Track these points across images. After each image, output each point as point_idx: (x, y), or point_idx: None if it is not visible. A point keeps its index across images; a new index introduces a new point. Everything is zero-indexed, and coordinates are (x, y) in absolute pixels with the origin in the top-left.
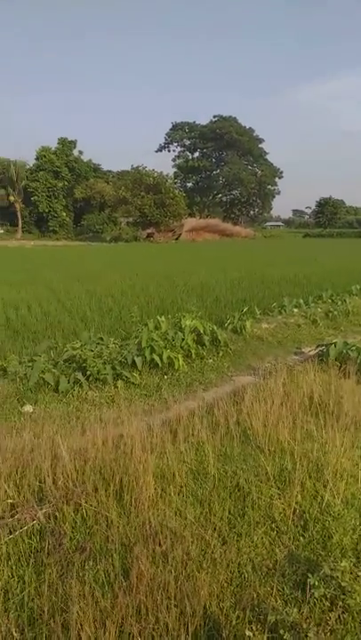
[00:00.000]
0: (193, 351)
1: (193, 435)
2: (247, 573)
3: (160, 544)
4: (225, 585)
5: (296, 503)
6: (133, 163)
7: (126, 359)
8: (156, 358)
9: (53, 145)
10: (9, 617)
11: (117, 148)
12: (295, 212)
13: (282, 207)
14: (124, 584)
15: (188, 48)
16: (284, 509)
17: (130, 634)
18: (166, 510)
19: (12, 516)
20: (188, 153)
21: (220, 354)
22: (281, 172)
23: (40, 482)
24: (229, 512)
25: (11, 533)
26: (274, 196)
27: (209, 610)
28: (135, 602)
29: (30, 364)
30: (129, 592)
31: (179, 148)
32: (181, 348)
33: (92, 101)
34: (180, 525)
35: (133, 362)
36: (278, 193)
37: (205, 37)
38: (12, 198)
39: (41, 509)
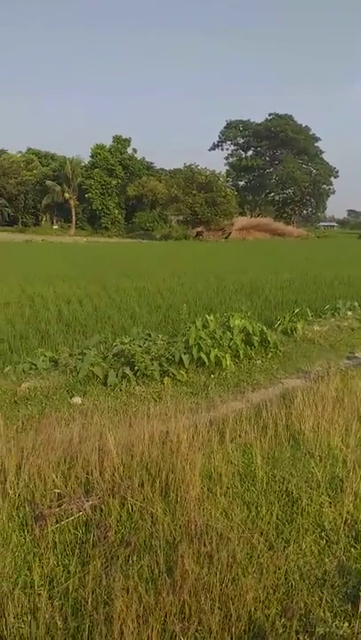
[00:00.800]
0: (241, 351)
1: (240, 436)
2: (294, 581)
3: (205, 544)
4: (271, 591)
5: (348, 513)
6: (186, 161)
7: (173, 356)
8: (204, 357)
9: (108, 143)
10: (53, 605)
11: (171, 147)
12: (350, 212)
13: (337, 207)
14: (168, 582)
15: (246, 46)
16: (334, 518)
17: (172, 633)
18: (212, 510)
19: (59, 506)
20: (242, 151)
21: (269, 355)
22: (337, 172)
23: (87, 474)
24: (277, 517)
25: (57, 522)
26: (328, 196)
27: (254, 616)
28: (179, 601)
29: (80, 357)
30: (172, 590)
31: (232, 147)
32: (229, 347)
33: (148, 99)
34: (226, 527)
35: (180, 359)
36: (333, 192)
37: (261, 36)
38: (67, 195)
39: (87, 501)
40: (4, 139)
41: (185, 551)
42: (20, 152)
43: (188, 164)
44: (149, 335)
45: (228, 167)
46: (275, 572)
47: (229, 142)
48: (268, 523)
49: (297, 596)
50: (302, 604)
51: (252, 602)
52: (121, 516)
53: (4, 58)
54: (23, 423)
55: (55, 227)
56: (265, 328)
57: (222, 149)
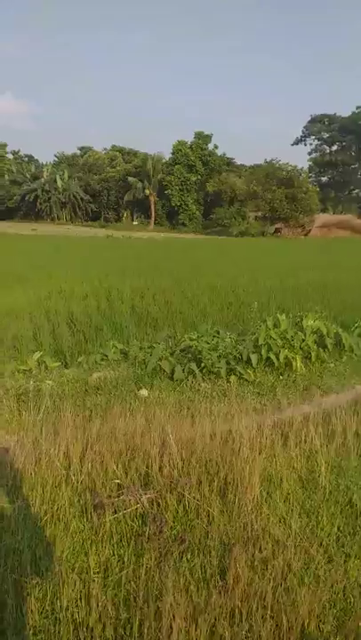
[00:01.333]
0: (313, 353)
1: (305, 441)
2: (353, 598)
3: (261, 550)
4: (327, 606)
5: None
6: (267, 157)
7: (241, 355)
8: (273, 357)
9: (189, 139)
10: (107, 593)
11: (253, 142)
12: None
13: None
14: (220, 584)
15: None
16: None
17: (221, 636)
18: (270, 516)
19: (117, 496)
20: (326, 146)
21: (344, 359)
22: None
23: (147, 467)
24: (338, 529)
25: (115, 513)
26: None
27: (307, 629)
28: (230, 604)
29: (149, 351)
30: (224, 593)
31: (316, 142)
32: (301, 348)
33: (231, 94)
34: (284, 534)
35: (248, 358)
36: None
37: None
38: (147, 191)
39: (145, 494)
40: (91, 136)
41: (239, 554)
42: (105, 149)
43: (268, 160)
44: (218, 332)
45: (310, 162)
46: (332, 587)
47: (313, 137)
48: (329, 534)
49: (355, 615)
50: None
51: (306, 614)
52: (177, 513)
53: (96, 58)
54: (91, 412)
55: (135, 222)
56: (340, 330)
57: (305, 144)
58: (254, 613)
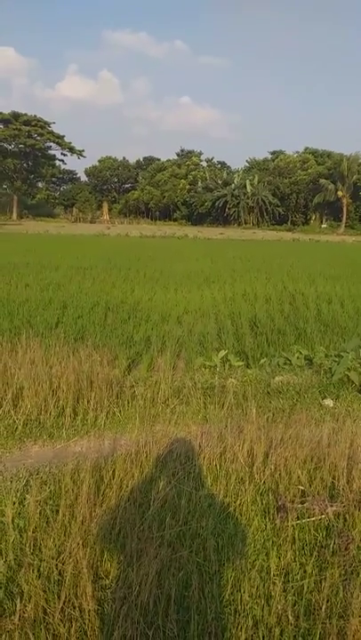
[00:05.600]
0: None
1: None
2: None
3: None
4: None
5: None
6: None
7: None
8: None
9: None
10: (286, 598)
11: None
12: None
13: None
14: None
15: None
16: None
17: None
18: None
19: (301, 503)
20: None
21: None
22: None
23: (333, 479)
24: None
25: (298, 519)
26: None
27: None
28: None
29: (337, 360)
30: None
31: None
32: None
33: None
34: None
35: None
36: None
37: None
38: (340, 193)
39: (331, 506)
40: (283, 139)
41: None
42: (297, 152)
43: None
44: None
45: None
46: None
47: None
48: None
49: None
50: None
51: None
52: None
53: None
54: (273, 414)
55: (323, 225)
56: None
57: None
58: None
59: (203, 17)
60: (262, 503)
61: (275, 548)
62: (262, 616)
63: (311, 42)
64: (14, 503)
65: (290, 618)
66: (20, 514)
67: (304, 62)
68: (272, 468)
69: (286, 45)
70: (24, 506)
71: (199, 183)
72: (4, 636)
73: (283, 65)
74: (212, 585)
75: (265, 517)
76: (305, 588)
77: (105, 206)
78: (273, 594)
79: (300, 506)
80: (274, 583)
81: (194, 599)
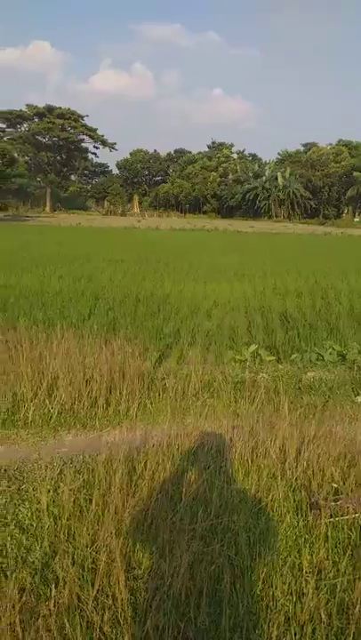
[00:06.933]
0: None
1: None
2: None
3: None
4: None
5: None
6: None
7: None
8: None
9: None
10: (319, 596)
11: None
12: None
13: None
14: None
15: None
16: None
17: None
18: None
19: (334, 501)
20: None
21: None
22: None
23: None
24: None
25: (331, 517)
26: None
27: None
28: None
29: None
30: None
31: None
32: None
33: None
34: None
35: None
36: None
37: None
38: None
39: None
40: (316, 131)
41: None
42: (330, 144)
43: None
44: None
45: None
46: None
47: None
48: None
49: None
50: None
51: None
52: None
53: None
54: (305, 410)
55: (356, 219)
56: None
57: None
58: None
59: (236, 6)
60: (294, 500)
61: (307, 546)
62: (294, 613)
63: (343, 33)
64: (49, 491)
65: (322, 616)
66: (54, 501)
67: (337, 53)
68: (304, 464)
69: (319, 37)
70: (58, 494)
71: (230, 175)
72: (39, 620)
73: (315, 56)
74: (243, 580)
75: (297, 514)
76: (338, 586)
77: (135, 199)
78: (305, 591)
79: (333, 504)
80: (306, 580)
81: (226, 593)
